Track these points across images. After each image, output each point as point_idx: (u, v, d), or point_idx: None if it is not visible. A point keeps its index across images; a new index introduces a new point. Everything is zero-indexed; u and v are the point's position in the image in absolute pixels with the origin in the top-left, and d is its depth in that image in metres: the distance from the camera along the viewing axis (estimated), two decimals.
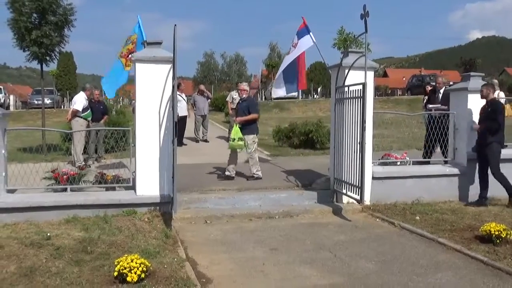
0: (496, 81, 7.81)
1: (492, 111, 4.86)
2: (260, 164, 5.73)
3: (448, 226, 4.15)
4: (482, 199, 4.91)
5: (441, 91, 6.16)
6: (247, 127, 5.64)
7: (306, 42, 6.28)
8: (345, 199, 4.94)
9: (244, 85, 6.00)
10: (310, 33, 6.14)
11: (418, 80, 23.68)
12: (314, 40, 6.07)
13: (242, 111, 5.69)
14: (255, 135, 5.71)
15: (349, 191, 4.82)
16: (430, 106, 6.08)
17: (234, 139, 5.51)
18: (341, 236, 4.01)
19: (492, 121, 4.81)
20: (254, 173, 5.65)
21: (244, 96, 5.82)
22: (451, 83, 5.83)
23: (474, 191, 5.08)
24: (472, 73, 5.61)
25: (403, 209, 4.77)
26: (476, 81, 5.36)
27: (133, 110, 4.71)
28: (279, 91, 6.83)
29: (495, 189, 4.91)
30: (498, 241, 3.57)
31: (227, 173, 5.54)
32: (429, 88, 7.90)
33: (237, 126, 5.56)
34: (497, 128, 4.82)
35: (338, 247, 3.72)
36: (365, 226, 4.37)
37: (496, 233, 3.58)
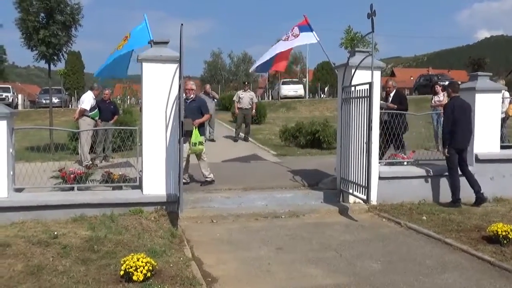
0: (502, 81, 7.80)
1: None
2: (266, 163, 5.69)
3: (455, 227, 4.13)
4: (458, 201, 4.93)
5: (391, 94, 6.14)
6: (201, 128, 5.40)
7: (309, 38, 6.21)
8: (351, 199, 4.93)
9: (191, 84, 5.58)
10: (313, 32, 6.11)
11: (426, 80, 23.53)
12: (318, 39, 6.04)
13: (192, 112, 5.27)
14: (204, 136, 5.51)
15: (355, 191, 4.81)
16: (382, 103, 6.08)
17: (195, 144, 5.18)
18: (347, 236, 4.00)
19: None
20: (207, 177, 5.45)
21: (191, 96, 5.46)
22: (459, 82, 5.80)
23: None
24: (479, 73, 5.59)
25: (409, 209, 4.76)
26: (483, 81, 5.34)
27: (140, 109, 4.72)
28: (253, 66, 6.92)
29: (505, 190, 4.88)
30: (505, 241, 3.55)
31: (184, 180, 4.84)
32: (438, 87, 7.88)
33: (196, 129, 5.22)
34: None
35: (344, 247, 3.72)
36: (372, 226, 4.36)
37: (503, 233, 3.56)
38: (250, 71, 16.89)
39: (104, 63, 5.34)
